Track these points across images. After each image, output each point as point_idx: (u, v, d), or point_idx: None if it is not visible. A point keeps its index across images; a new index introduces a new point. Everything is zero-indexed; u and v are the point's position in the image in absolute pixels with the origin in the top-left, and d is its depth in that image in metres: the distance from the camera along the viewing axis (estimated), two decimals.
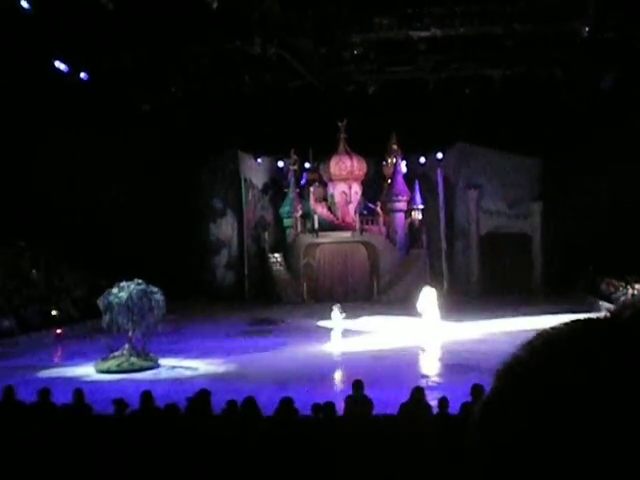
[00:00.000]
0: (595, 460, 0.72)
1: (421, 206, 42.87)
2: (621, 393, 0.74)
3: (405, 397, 10.71)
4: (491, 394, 0.83)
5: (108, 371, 20.92)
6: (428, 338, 25.95)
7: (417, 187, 42.50)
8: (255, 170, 44.34)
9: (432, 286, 29.63)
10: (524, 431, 0.76)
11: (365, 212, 42.18)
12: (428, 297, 27.94)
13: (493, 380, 0.83)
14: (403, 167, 43.45)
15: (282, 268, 41.58)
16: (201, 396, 10.46)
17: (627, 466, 0.71)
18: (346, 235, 41.30)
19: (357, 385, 10.99)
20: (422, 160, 43.61)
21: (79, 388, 11.31)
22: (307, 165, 44.27)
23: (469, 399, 9.93)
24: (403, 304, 36.06)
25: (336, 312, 29.39)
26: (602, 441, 0.72)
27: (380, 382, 16.86)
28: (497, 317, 30.81)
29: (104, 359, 21.51)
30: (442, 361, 21.91)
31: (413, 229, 42.85)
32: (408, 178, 42.77)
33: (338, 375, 20.48)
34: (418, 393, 10.44)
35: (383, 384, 16.76)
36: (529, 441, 0.75)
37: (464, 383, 15.15)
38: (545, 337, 0.83)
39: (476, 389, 9.80)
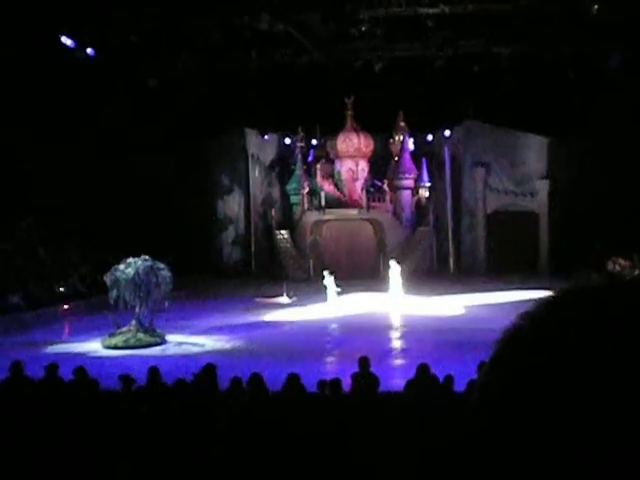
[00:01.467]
0: (594, 423, 0.73)
1: (428, 184, 42.93)
2: (618, 358, 0.75)
3: (406, 374, 10.70)
4: (493, 360, 0.84)
5: (115, 347, 21.01)
6: (397, 312, 26.80)
7: (424, 165, 42.50)
8: (262, 147, 44.29)
9: (399, 262, 30.25)
10: (525, 395, 0.77)
11: (372, 189, 42.24)
12: (394, 272, 28.83)
13: (494, 347, 0.85)
14: (410, 144, 43.46)
15: (289, 245, 41.62)
16: (207, 370, 10.44)
17: (625, 427, 0.73)
18: (353, 212, 41.37)
19: (363, 362, 10.96)
20: (429, 138, 43.61)
21: (81, 366, 11.30)
22: (314, 142, 44.26)
23: (474, 376, 9.93)
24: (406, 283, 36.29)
25: (328, 278, 29.17)
26: (601, 405, 0.74)
27: (380, 358, 16.98)
28: (499, 292, 31.09)
29: (111, 335, 21.59)
30: (440, 337, 21.88)
31: (420, 207, 42.93)
32: (415, 156, 42.79)
33: (343, 351, 20.44)
34: (423, 370, 10.38)
35: (383, 360, 16.91)
36: (530, 405, 0.77)
37: (464, 360, 15.22)
38: (544, 305, 0.85)
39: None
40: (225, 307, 29.76)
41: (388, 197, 41.77)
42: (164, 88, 34.98)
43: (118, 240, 32.22)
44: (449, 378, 10.20)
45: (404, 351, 19.45)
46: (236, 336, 22.86)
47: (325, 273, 29.35)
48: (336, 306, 27.90)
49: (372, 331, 23.07)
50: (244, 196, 43.59)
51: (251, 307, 29.68)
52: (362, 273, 39.76)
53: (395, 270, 29.15)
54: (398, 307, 27.70)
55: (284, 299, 30.92)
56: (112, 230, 35.39)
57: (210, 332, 23.67)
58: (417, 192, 43.00)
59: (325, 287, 28.82)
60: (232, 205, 44.02)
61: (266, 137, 44.25)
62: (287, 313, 28.12)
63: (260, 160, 44.03)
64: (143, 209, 38.96)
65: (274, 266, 41.40)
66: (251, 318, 26.90)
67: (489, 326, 21.79)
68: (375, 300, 29.70)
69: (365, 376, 10.71)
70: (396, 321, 25.45)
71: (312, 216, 41.89)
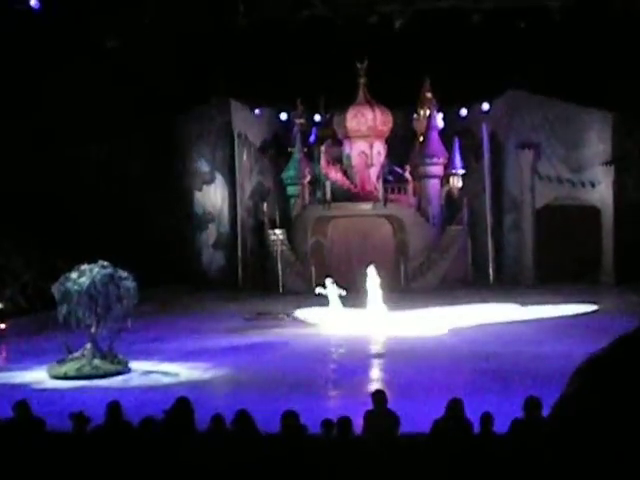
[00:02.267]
0: None
1: (461, 171, 43.01)
2: None
3: (435, 411, 10.69)
4: (573, 391, 0.93)
5: (65, 377, 20.89)
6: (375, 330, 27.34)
7: (456, 147, 42.56)
8: (252, 124, 44.31)
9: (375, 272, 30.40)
10: (608, 425, 0.87)
11: (390, 178, 42.28)
12: (372, 281, 29.43)
13: (573, 377, 0.93)
14: (439, 121, 43.55)
15: (285, 248, 41.59)
16: (181, 406, 10.39)
17: None
18: (366, 207, 41.40)
19: (378, 397, 10.93)
20: (463, 112, 43.74)
21: (23, 400, 11.32)
22: (317, 118, 44.32)
23: (514, 413, 9.94)
24: (437, 295, 36.38)
25: (330, 288, 29.46)
26: None
27: (399, 391, 17.08)
28: (548, 306, 31.10)
29: (60, 362, 21.49)
30: (472, 365, 21.87)
31: (451, 200, 43.01)
32: (445, 135, 42.83)
33: (351, 382, 20.45)
34: (456, 406, 10.38)
35: (404, 393, 16.93)
36: (615, 434, 0.86)
37: (504, 393, 15.22)
38: (624, 340, 0.99)
39: (531, 402, 9.76)
40: (204, 327, 29.74)
41: (411, 187, 41.85)
42: (126, 50, 34.96)
43: (69, 242, 32.23)
44: (487, 417, 10.19)
45: (428, 382, 19.31)
46: (217, 363, 22.76)
47: (327, 281, 29.67)
48: (339, 318, 28.47)
49: (386, 356, 23.02)
50: (228, 186, 43.68)
51: (236, 327, 29.63)
52: (380, 283, 39.49)
53: (373, 278, 29.64)
54: (379, 325, 28.17)
55: (282, 317, 30.88)
56: (62, 230, 35.40)
57: (185, 358, 23.59)
58: (447, 181, 43.09)
59: (325, 296, 29.16)
60: (213, 198, 44.16)
61: (257, 112, 44.33)
62: (280, 333, 28.16)
63: (249, 141, 44.09)
64: (101, 204, 39.00)
65: (266, 275, 41.39)
66: (236, 340, 26.82)
67: (535, 350, 21.93)
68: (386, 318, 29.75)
69: (381, 414, 10.68)
70: (416, 343, 25.39)
71: (314, 212, 42.00)
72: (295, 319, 31.01)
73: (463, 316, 30.57)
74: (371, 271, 29.90)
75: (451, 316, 30.63)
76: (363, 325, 28.40)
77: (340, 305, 29.07)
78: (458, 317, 30.34)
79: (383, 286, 29.83)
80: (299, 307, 32.74)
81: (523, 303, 33.31)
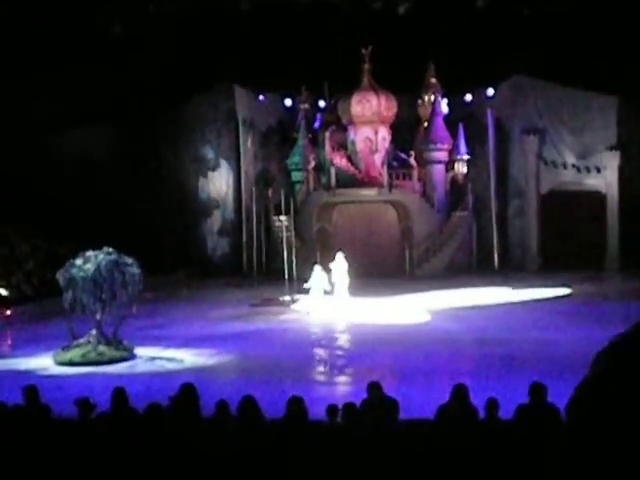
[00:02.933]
0: None
1: (466, 156, 43.06)
2: None
3: (437, 397, 10.68)
4: (595, 375, 0.97)
5: (70, 363, 20.88)
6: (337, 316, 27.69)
7: (461, 132, 42.58)
8: (256, 110, 44.37)
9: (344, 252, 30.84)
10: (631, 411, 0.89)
11: (395, 164, 42.24)
12: (339, 265, 29.72)
13: (594, 362, 0.97)
14: (444, 107, 43.55)
15: (290, 234, 41.46)
16: (186, 393, 10.32)
17: None
18: (371, 193, 41.41)
19: (373, 388, 10.88)
20: (468, 98, 43.69)
21: (32, 385, 11.28)
22: (322, 104, 44.34)
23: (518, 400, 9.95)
24: (442, 281, 36.44)
25: (318, 272, 29.57)
26: None
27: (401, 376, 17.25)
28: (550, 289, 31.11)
29: (65, 348, 21.46)
30: (473, 350, 21.91)
31: (456, 186, 43.02)
32: (450, 121, 42.80)
33: (355, 368, 20.41)
34: (460, 392, 10.32)
35: (404, 379, 17.04)
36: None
37: (508, 379, 15.21)
38: None
39: (536, 388, 9.77)
40: (209, 313, 29.80)
41: (415, 173, 41.86)
42: (130, 35, 34.87)
43: (74, 229, 32.18)
44: (491, 403, 10.15)
45: (430, 368, 19.28)
46: (222, 349, 22.71)
47: (316, 267, 29.79)
48: (318, 305, 28.70)
49: (389, 342, 22.98)
50: (233, 173, 43.73)
51: (241, 313, 29.66)
52: (382, 270, 39.91)
53: (340, 262, 29.85)
54: (343, 311, 28.40)
55: (287, 303, 30.94)
56: (67, 216, 35.37)
57: (190, 344, 23.55)
58: (452, 167, 43.12)
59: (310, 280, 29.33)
60: (218, 184, 44.17)
61: (261, 98, 44.34)
62: (285, 319, 28.22)
63: (254, 127, 44.14)
64: (106, 190, 38.93)
65: (271, 261, 41.30)
66: (240, 326, 26.86)
67: (542, 337, 21.97)
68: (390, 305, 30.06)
69: (378, 402, 10.64)
70: (415, 329, 25.40)
71: (320, 198, 42.06)
72: (297, 306, 30.95)
73: (457, 300, 30.99)
74: (339, 257, 30.18)
75: (440, 300, 31.02)
76: (334, 312, 28.59)
77: (321, 293, 29.17)
78: (450, 301, 30.79)
79: (351, 272, 30.03)
80: (303, 293, 32.66)
81: (528, 287, 33.55)
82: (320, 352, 22.42)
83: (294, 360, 20.87)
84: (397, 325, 26.38)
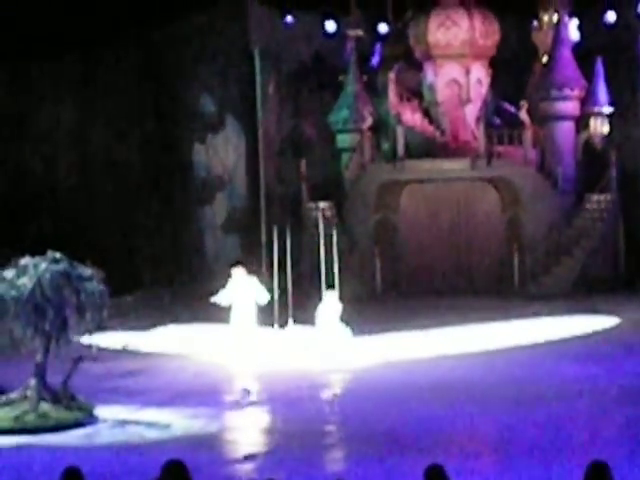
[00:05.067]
0: None
1: (608, 109, 42.74)
2: None
3: None
4: None
5: None
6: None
7: (600, 71, 42.37)
8: (282, 39, 44.43)
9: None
10: None
11: (497, 121, 42.47)
12: (330, 304, 30.72)
13: None
14: (573, 32, 43.35)
15: (334, 229, 41.15)
16: (168, 475, 10.38)
17: None
18: (460, 166, 41.22)
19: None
20: (610, 17, 43.35)
21: None
22: (383, 29, 44.46)
23: None
24: (570, 303, 36.23)
25: (331, 301, 30.30)
26: None
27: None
28: None
29: None
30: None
31: (592, 154, 42.61)
32: (583, 53, 42.54)
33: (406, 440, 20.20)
34: (599, 473, 10.24)
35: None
36: None
37: None
38: None
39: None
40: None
41: (529, 135, 41.64)
42: None
43: (8, 225, 32.32)
44: None
45: (553, 436, 19.25)
46: (228, 408, 22.96)
47: (328, 294, 30.82)
48: (333, 343, 29.30)
49: (485, 399, 22.93)
50: (246, 136, 43.98)
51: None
52: (477, 285, 40.22)
53: (330, 302, 30.81)
54: (333, 354, 28.95)
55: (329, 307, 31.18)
56: None
57: (180, 401, 23.51)
58: (586, 125, 42.83)
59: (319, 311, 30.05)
60: (222, 154, 44.54)
61: (289, 19, 44.40)
62: (314, 363, 28.57)
63: (278, 64, 44.38)
64: (51, 167, 39.27)
65: (304, 270, 40.87)
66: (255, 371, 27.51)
67: None
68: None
69: None
70: (529, 376, 25.46)
71: (379, 174, 41.89)
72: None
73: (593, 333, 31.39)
74: (330, 297, 31.10)
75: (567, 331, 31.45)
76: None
77: (337, 324, 29.96)
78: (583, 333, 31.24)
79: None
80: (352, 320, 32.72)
81: None
82: (364, 412, 22.04)
83: (325, 424, 21.41)
84: (493, 373, 26.37)
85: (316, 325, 30.31)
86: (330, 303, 30.71)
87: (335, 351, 29.42)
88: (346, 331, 30.37)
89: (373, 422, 20.81)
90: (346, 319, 30.45)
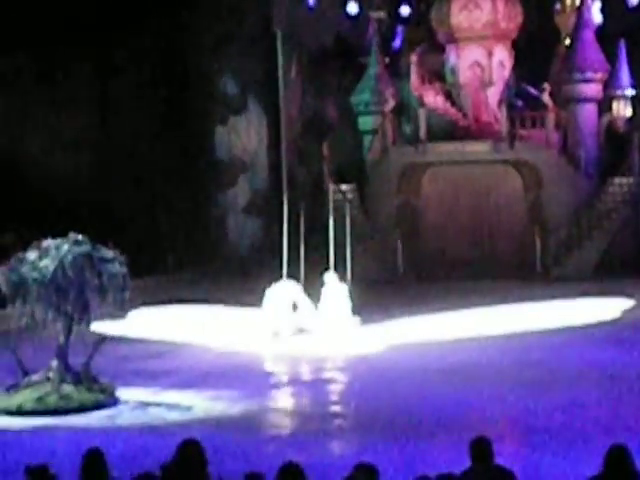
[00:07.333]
0: None
1: (631, 91, 42.87)
2: None
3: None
4: None
5: (19, 411, 20.74)
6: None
7: (623, 54, 42.54)
8: (304, 21, 44.46)
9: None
10: None
11: (520, 103, 42.44)
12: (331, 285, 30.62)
13: None
14: (596, 14, 43.39)
15: (356, 213, 41.33)
16: (185, 456, 10.42)
17: None
18: (482, 149, 41.39)
19: (481, 449, 10.98)
20: (633, 0, 43.18)
21: None
22: (405, 11, 44.56)
23: None
24: (593, 285, 36.29)
25: (331, 281, 30.38)
26: None
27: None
28: None
29: (12, 389, 21.35)
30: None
31: (615, 137, 42.70)
32: (606, 36, 42.57)
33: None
34: (620, 457, 10.36)
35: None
36: None
37: None
38: None
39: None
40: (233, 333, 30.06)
41: (551, 118, 41.66)
42: None
43: (27, 206, 32.45)
44: None
45: (577, 418, 19.56)
46: (250, 392, 22.81)
47: (328, 274, 30.86)
48: (331, 326, 29.30)
49: (514, 381, 23.04)
50: (267, 117, 44.06)
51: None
52: (499, 269, 39.89)
53: (332, 282, 30.72)
54: (342, 339, 28.91)
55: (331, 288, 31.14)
56: (16, 190, 35.82)
57: (202, 383, 23.71)
58: (609, 108, 42.88)
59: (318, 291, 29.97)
60: (244, 137, 44.63)
61: (311, 1, 44.42)
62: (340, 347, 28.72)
63: (300, 47, 44.51)
64: (75, 150, 39.37)
65: (326, 252, 40.98)
66: (275, 353, 27.71)
67: None
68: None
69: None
70: (556, 360, 25.59)
71: (402, 156, 41.97)
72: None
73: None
74: (330, 278, 30.96)
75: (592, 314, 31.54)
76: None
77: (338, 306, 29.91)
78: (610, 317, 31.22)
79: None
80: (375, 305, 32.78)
81: None
82: (393, 396, 22.12)
83: (350, 408, 21.73)
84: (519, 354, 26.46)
85: (319, 309, 30.26)
86: (332, 285, 30.68)
87: (339, 336, 29.36)
88: (354, 319, 30.35)
89: (391, 406, 20.88)
90: (355, 306, 30.38)
